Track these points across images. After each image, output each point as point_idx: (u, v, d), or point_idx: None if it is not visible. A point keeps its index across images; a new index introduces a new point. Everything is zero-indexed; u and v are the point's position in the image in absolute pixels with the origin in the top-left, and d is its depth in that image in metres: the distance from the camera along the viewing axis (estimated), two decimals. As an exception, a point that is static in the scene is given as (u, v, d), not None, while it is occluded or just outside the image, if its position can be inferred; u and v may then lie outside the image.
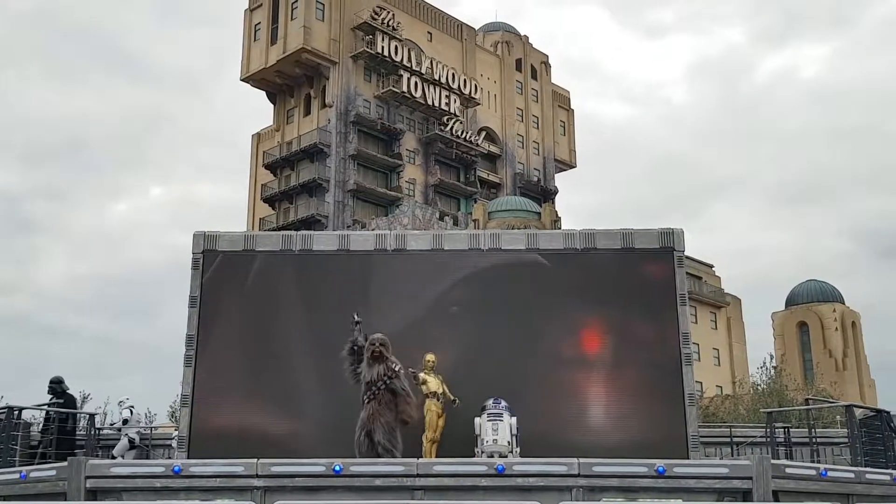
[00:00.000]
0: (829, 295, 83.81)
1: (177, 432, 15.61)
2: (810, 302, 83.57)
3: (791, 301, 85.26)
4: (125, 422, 18.35)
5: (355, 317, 13.60)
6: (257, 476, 11.58)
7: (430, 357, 13.64)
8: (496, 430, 13.13)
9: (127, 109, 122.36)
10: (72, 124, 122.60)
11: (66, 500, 11.44)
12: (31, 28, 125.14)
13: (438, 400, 13.43)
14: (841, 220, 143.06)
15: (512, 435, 13.17)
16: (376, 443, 12.42)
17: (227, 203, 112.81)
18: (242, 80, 70.85)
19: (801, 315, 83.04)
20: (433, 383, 13.51)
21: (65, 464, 12.31)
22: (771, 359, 49.00)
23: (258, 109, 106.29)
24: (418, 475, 11.55)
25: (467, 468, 11.84)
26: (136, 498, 11.39)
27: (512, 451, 13.01)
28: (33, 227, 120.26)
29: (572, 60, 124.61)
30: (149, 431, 19.82)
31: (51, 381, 18.18)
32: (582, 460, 11.60)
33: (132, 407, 18.75)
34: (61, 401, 17.84)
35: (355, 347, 13.42)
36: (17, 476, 12.58)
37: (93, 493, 11.61)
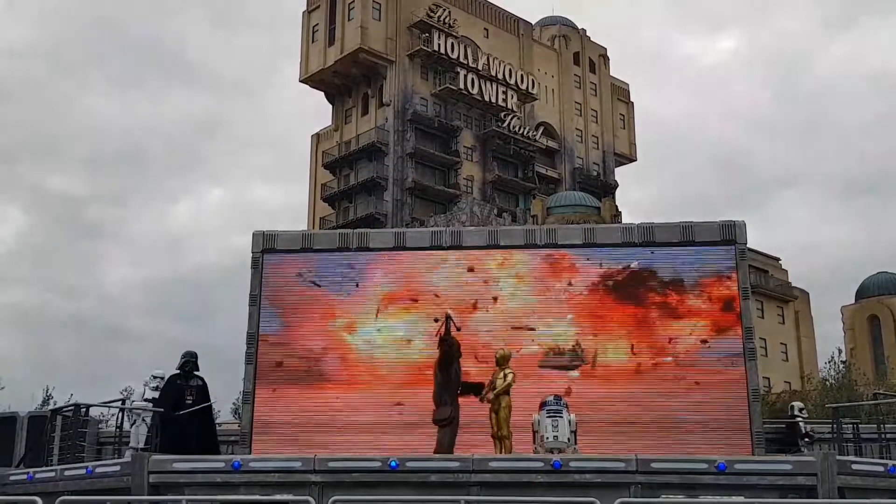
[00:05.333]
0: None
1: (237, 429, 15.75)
2: (881, 294, 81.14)
3: (861, 294, 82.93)
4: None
5: (448, 317, 14.23)
6: (315, 471, 11.68)
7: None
8: (556, 426, 13.05)
9: (184, 115, 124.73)
10: (131, 131, 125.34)
11: (130, 494, 11.68)
12: (90, 37, 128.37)
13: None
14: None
15: (571, 431, 13.08)
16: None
17: (286, 204, 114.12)
18: (301, 81, 71.59)
19: (872, 308, 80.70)
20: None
21: (128, 459, 12.60)
22: (840, 353, 47.72)
23: (316, 110, 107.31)
24: (474, 471, 11.51)
25: (523, 464, 11.77)
26: (197, 493, 11.58)
27: (570, 447, 12.92)
28: (97, 232, 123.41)
29: (631, 53, 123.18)
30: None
31: (190, 356, 15.38)
32: (640, 456, 11.44)
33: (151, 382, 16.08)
34: (201, 382, 15.34)
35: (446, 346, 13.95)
36: (83, 472, 12.90)
37: (155, 488, 11.85)
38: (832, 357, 46.67)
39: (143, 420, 15.32)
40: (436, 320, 14.35)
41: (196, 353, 15.39)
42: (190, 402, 14.77)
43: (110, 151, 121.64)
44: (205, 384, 15.22)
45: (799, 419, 18.19)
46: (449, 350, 13.86)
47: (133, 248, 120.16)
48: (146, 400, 15.51)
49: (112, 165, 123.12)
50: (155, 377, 15.85)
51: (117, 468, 12.48)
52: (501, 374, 13.55)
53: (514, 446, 13.17)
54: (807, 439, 17.11)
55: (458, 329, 14.21)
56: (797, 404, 19.95)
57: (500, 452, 12.84)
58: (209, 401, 15.33)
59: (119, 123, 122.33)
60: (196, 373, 15.19)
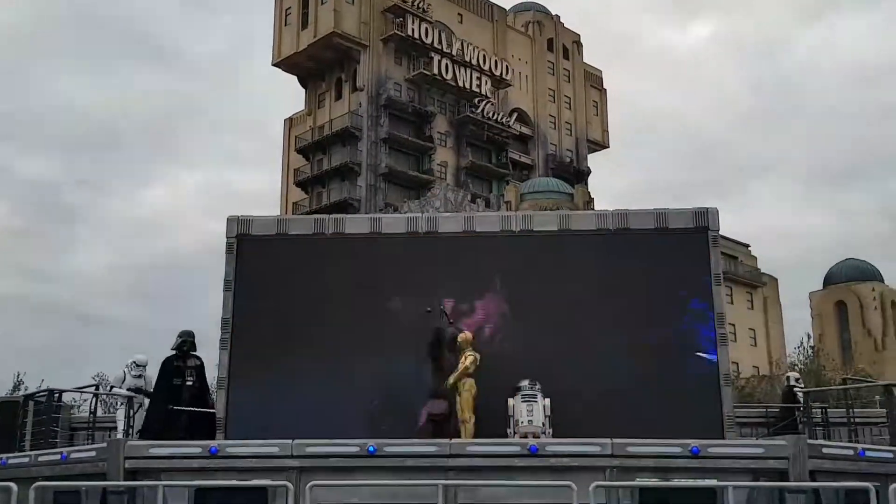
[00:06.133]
0: (868, 274, 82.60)
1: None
2: (849, 281, 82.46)
3: (829, 280, 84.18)
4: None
5: (441, 308, 14.38)
6: (292, 456, 11.70)
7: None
8: (531, 410, 13.18)
9: (157, 98, 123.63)
10: (104, 114, 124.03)
11: (105, 480, 11.64)
12: (62, 20, 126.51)
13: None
14: (878, 199, 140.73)
15: (546, 416, 13.21)
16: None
17: (259, 189, 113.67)
18: (274, 65, 71.11)
19: (840, 294, 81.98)
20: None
21: (104, 445, 12.53)
22: (808, 338, 48.47)
23: (289, 94, 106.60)
24: (451, 455, 11.59)
25: (500, 448, 11.87)
26: (174, 478, 11.55)
27: (545, 432, 13.04)
28: (69, 216, 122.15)
29: (604, 39, 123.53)
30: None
31: (188, 335, 14.91)
32: (615, 440, 11.57)
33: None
34: (199, 362, 14.95)
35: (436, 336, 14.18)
36: (58, 457, 12.83)
37: (132, 474, 11.81)
38: (801, 342, 47.50)
39: (129, 401, 15.09)
40: (428, 311, 14.40)
41: (193, 333, 14.95)
42: (190, 382, 14.48)
43: (83, 135, 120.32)
44: (202, 364, 14.91)
45: (796, 389, 18.41)
46: (441, 341, 14.08)
47: (106, 232, 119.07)
48: (129, 389, 15.23)
49: (85, 149, 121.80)
50: (138, 365, 15.59)
51: (93, 454, 12.42)
52: (462, 358, 13.69)
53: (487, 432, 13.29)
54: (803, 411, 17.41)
55: (451, 322, 14.34)
56: (793, 374, 20.13)
57: (463, 437, 12.94)
58: (206, 381, 14.95)
59: (92, 106, 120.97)
60: (193, 353, 14.85)
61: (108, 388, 16.16)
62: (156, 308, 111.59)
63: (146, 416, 14.71)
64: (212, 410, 14.34)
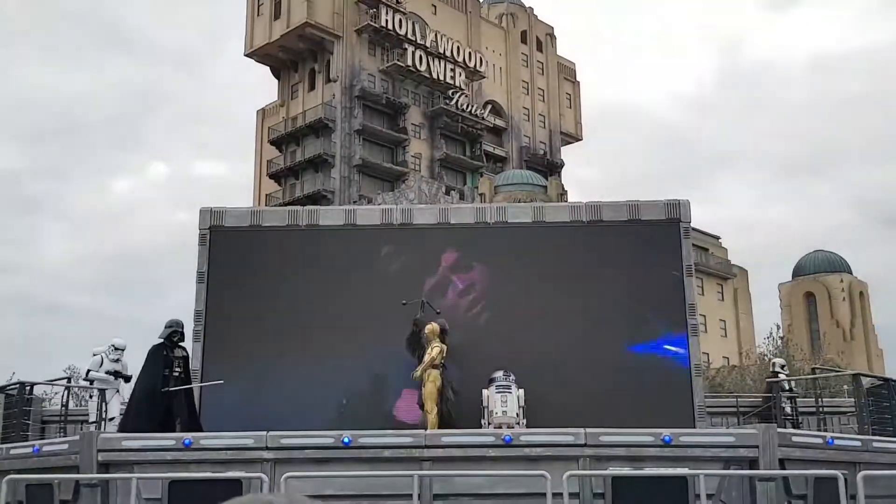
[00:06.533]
0: (836, 265, 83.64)
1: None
2: (817, 273, 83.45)
3: (798, 272, 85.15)
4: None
5: (423, 301, 14.49)
6: (267, 448, 11.68)
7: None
8: (505, 401, 13.28)
9: (125, 87, 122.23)
10: (69, 103, 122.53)
11: (78, 473, 11.56)
12: (28, 6, 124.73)
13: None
14: (845, 190, 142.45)
15: (520, 406, 13.31)
16: (447, 398, 13.72)
17: (230, 180, 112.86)
18: (246, 55, 70.58)
19: (809, 286, 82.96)
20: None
21: (76, 437, 12.45)
22: (778, 329, 49.04)
23: (262, 85, 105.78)
24: (426, 446, 11.64)
25: (475, 439, 11.93)
26: (148, 470, 11.50)
27: (519, 423, 13.14)
28: (33, 207, 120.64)
29: (577, 31, 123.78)
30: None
31: (177, 325, 14.45)
32: (588, 430, 11.67)
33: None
34: (186, 353, 14.56)
35: (416, 328, 14.29)
36: (30, 450, 12.72)
37: (104, 466, 11.74)
38: (770, 333, 48.01)
39: (102, 393, 14.87)
40: (403, 303, 14.44)
41: (183, 323, 14.52)
42: (177, 373, 14.04)
43: (47, 124, 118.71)
44: (188, 356, 14.55)
45: (781, 375, 18.58)
46: (422, 332, 14.13)
47: (72, 223, 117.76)
48: (108, 372, 15.06)
49: (49, 138, 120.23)
50: (116, 348, 15.32)
51: (65, 446, 12.33)
52: (429, 349, 13.75)
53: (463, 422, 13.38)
54: (789, 399, 17.60)
55: (438, 312, 14.39)
56: (779, 360, 20.31)
57: (429, 428, 13.02)
58: (190, 373, 14.46)
59: (55, 95, 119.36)
60: (181, 343, 14.45)
61: (86, 371, 15.68)
62: (123, 299, 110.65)
63: (129, 400, 14.32)
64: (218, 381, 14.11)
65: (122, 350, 15.52)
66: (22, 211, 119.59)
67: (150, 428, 12.89)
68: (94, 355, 15.68)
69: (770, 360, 21.06)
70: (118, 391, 15.33)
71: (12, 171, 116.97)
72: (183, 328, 14.39)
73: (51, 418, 17.61)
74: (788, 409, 17.78)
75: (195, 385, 14.14)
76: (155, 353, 14.13)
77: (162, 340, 14.23)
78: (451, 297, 15.05)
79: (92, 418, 15.05)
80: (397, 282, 15.08)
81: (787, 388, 18.37)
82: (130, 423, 13.51)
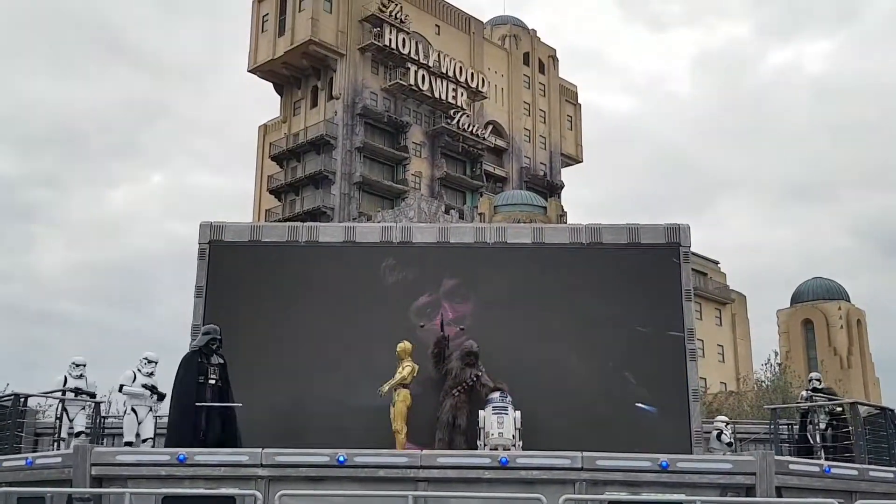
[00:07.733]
0: (834, 293, 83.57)
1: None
2: (816, 300, 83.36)
3: (796, 298, 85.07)
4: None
5: (442, 317, 14.68)
6: (262, 465, 11.62)
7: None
8: (501, 423, 13.22)
9: (127, 99, 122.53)
10: (71, 114, 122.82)
11: (71, 486, 11.49)
12: (30, 17, 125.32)
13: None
14: (845, 217, 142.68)
15: (516, 428, 13.24)
16: (458, 426, 13.64)
17: (230, 194, 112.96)
18: (250, 71, 70.85)
19: (807, 313, 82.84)
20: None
21: (70, 451, 12.38)
22: (775, 356, 48.92)
23: (264, 101, 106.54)
24: (422, 466, 11.58)
25: (471, 460, 11.87)
26: (141, 485, 11.43)
27: (515, 445, 13.07)
28: (30, 215, 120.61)
29: (578, 53, 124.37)
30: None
31: (214, 332, 13.70)
32: (585, 454, 11.62)
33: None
34: (223, 360, 13.72)
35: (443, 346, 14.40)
36: (23, 463, 12.64)
37: (98, 481, 11.67)
38: (768, 359, 47.88)
39: (134, 409, 14.39)
40: (421, 326, 14.59)
41: (219, 329, 13.73)
42: (213, 381, 13.34)
43: (44, 133, 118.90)
44: (226, 363, 13.67)
45: (817, 395, 17.34)
46: (443, 349, 14.25)
47: (68, 232, 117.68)
48: (143, 386, 14.44)
49: (46, 147, 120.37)
50: (150, 361, 14.71)
51: (58, 459, 12.26)
52: (401, 367, 13.70)
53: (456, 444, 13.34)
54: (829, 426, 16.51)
55: (442, 331, 14.42)
56: (815, 374, 18.73)
57: (398, 447, 12.97)
58: (228, 381, 13.63)
59: (54, 105, 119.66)
60: (218, 351, 13.65)
61: (119, 387, 14.75)
62: (118, 310, 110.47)
63: (170, 416, 13.54)
64: (237, 404, 13.51)
65: (156, 363, 14.80)
66: (18, 219, 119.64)
67: (191, 440, 12.68)
68: (126, 371, 14.84)
69: (808, 377, 19.38)
70: (151, 409, 14.65)
71: (8, 179, 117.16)
72: (221, 335, 13.71)
73: (44, 431, 17.53)
74: (827, 434, 16.43)
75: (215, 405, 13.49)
76: (189, 360, 13.50)
77: (198, 348, 13.57)
78: (436, 322, 14.96)
79: (128, 437, 14.27)
80: (396, 299, 15.06)
81: (728, 441, 17.57)
82: (173, 437, 13.01)
